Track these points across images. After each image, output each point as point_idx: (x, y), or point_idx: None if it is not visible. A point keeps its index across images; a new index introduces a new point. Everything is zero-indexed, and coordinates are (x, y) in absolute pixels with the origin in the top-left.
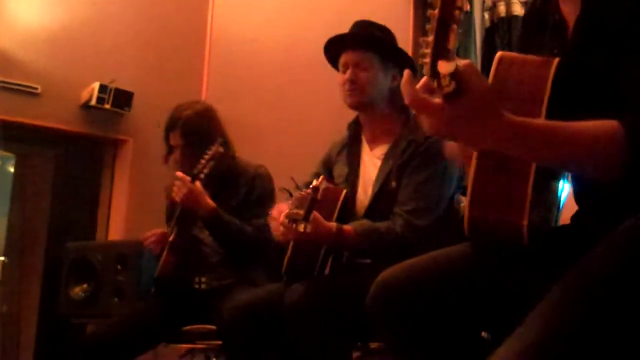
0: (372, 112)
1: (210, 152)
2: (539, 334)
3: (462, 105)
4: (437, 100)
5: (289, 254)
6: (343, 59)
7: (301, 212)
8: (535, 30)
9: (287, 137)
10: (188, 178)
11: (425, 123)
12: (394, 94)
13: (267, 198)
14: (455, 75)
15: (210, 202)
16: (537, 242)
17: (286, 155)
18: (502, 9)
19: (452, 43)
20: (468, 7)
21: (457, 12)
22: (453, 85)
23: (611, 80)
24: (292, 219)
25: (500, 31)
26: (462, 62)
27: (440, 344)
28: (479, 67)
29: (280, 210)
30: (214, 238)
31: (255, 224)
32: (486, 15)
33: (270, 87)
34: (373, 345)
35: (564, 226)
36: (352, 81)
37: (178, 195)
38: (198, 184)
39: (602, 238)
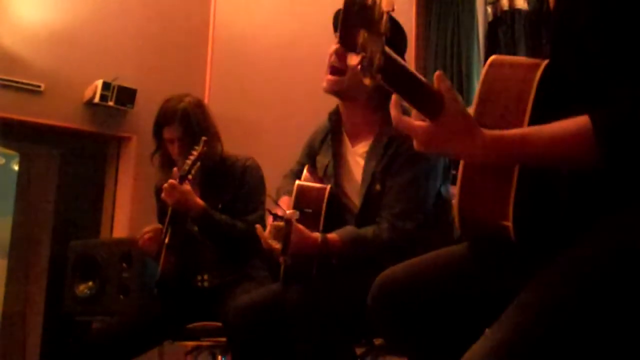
0: (352, 102)
1: (195, 152)
2: (512, 329)
3: (441, 125)
4: (420, 122)
5: (283, 265)
6: (336, 37)
7: (278, 246)
8: (538, 28)
9: (289, 134)
10: (176, 181)
11: (415, 143)
12: (379, 86)
13: (257, 191)
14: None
15: (199, 201)
16: (528, 240)
17: (288, 152)
18: (504, 2)
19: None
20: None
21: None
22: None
23: (585, 78)
24: (270, 251)
25: (503, 25)
26: (444, 85)
27: (441, 343)
28: (482, 61)
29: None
30: (205, 237)
31: (247, 219)
32: (489, 9)
33: (272, 84)
34: (377, 341)
35: (555, 223)
36: (335, 60)
37: (169, 198)
38: (187, 185)
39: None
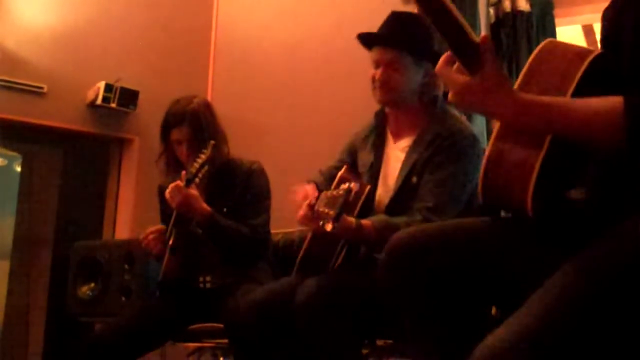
0: (401, 107)
1: (203, 156)
2: (536, 321)
3: (478, 79)
4: (460, 75)
5: (306, 244)
6: (374, 55)
7: (331, 212)
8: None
9: (292, 137)
10: (182, 184)
11: (450, 94)
12: (425, 87)
13: (262, 196)
14: None
15: (205, 206)
16: (544, 219)
17: (291, 154)
18: (507, 4)
19: None
20: None
21: None
22: None
23: (635, 72)
24: (319, 216)
25: (505, 27)
26: (488, 45)
27: (448, 314)
28: None
29: (306, 195)
30: (210, 241)
31: (252, 224)
32: (491, 11)
33: (275, 86)
34: (380, 342)
35: (575, 202)
36: (384, 81)
37: (173, 201)
38: (192, 189)
39: (611, 218)
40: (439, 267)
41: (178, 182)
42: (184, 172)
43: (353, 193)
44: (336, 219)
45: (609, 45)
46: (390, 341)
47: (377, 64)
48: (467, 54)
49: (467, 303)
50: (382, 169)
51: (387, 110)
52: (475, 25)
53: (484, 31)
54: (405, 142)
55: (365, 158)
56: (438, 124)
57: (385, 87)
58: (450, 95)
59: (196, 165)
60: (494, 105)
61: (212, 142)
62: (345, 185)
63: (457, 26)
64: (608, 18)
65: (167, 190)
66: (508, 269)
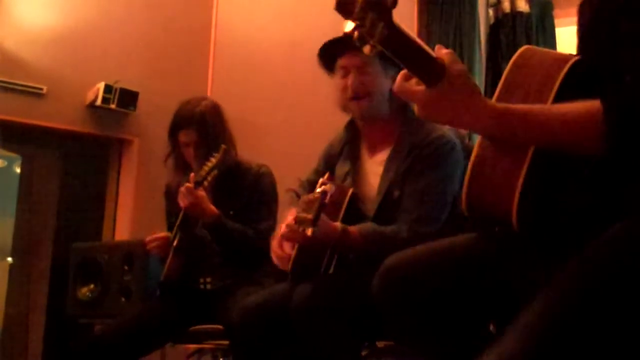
0: (375, 118)
1: (214, 160)
2: (527, 338)
3: (443, 88)
4: (421, 87)
5: (295, 253)
6: (342, 62)
7: (309, 216)
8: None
9: (291, 137)
10: (191, 186)
11: (417, 108)
12: (393, 95)
13: (269, 199)
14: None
15: (213, 209)
16: (531, 231)
17: (291, 155)
18: (506, 5)
19: None
20: None
21: None
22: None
23: (612, 68)
24: (299, 222)
25: (505, 27)
26: (443, 51)
27: (446, 331)
28: (484, 64)
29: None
30: (216, 244)
31: (258, 227)
32: (490, 12)
33: (274, 87)
34: (380, 344)
35: (562, 219)
36: (357, 87)
37: (183, 202)
38: (202, 191)
39: (600, 225)
40: (436, 289)
41: (187, 184)
42: (192, 174)
43: (329, 195)
44: (314, 223)
45: (586, 41)
46: (390, 342)
47: (346, 71)
48: (428, 68)
49: (466, 321)
50: (361, 185)
51: (357, 123)
52: (474, 26)
53: (483, 32)
54: (382, 156)
55: (341, 169)
56: (413, 133)
57: (360, 94)
58: (417, 110)
59: (206, 168)
60: (464, 115)
61: (224, 146)
62: (321, 188)
63: (417, 49)
64: (584, 14)
65: (179, 194)
66: (504, 283)
